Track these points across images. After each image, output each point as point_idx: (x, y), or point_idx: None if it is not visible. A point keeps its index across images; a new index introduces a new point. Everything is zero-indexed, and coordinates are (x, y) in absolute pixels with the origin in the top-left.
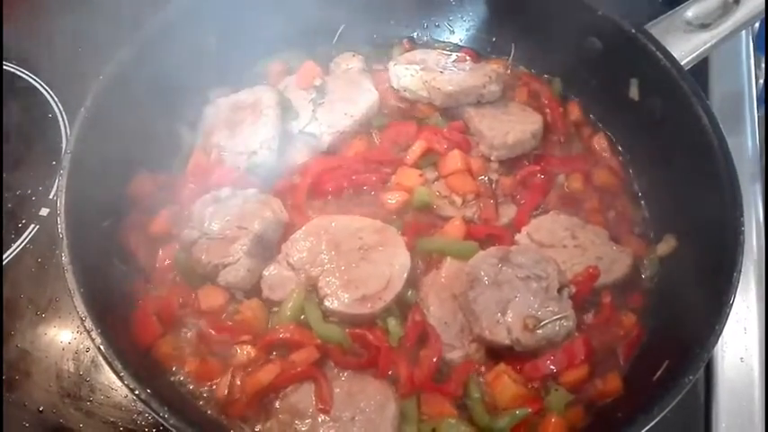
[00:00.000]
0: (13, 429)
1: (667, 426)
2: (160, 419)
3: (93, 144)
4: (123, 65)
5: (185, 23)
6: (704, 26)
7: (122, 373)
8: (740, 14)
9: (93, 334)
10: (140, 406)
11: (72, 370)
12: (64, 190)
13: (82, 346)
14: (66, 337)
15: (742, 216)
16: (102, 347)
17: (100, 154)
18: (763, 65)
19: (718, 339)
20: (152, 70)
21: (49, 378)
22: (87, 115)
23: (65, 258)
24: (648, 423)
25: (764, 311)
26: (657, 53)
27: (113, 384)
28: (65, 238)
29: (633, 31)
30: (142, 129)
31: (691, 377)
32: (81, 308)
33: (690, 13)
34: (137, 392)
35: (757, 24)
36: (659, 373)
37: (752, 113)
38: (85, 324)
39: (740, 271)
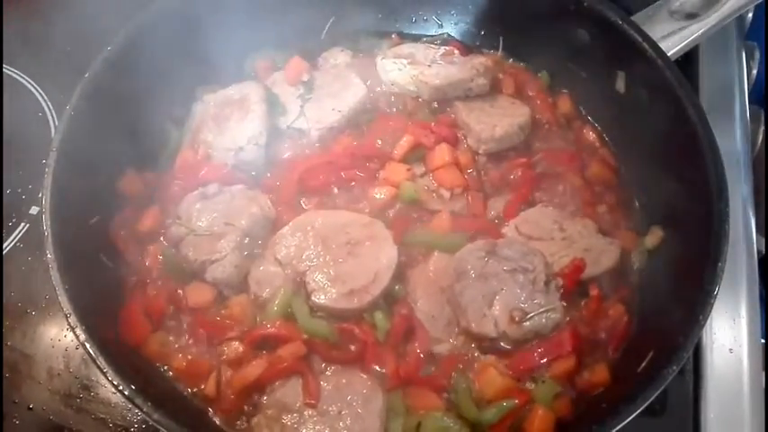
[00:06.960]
0: (4, 427)
1: (656, 416)
2: (144, 415)
3: (80, 141)
4: (109, 63)
5: (172, 20)
6: (691, 16)
7: (106, 369)
8: (728, 4)
9: (78, 330)
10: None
11: (63, 367)
12: (49, 188)
13: (72, 343)
14: (56, 335)
15: (727, 207)
16: (86, 344)
17: (86, 151)
18: (757, 54)
19: (702, 330)
20: (139, 68)
21: (39, 375)
22: (73, 113)
23: (49, 255)
24: (632, 413)
25: (754, 303)
26: (643, 44)
27: (103, 381)
28: (49, 235)
29: (619, 21)
30: (129, 126)
31: (674, 367)
32: (65, 304)
33: (677, 2)
34: (120, 388)
35: (750, 14)
36: (644, 363)
37: (742, 102)
38: (69, 320)
39: (725, 261)
